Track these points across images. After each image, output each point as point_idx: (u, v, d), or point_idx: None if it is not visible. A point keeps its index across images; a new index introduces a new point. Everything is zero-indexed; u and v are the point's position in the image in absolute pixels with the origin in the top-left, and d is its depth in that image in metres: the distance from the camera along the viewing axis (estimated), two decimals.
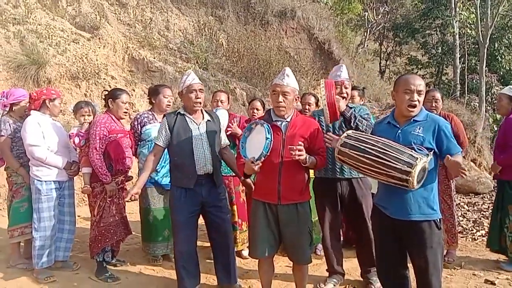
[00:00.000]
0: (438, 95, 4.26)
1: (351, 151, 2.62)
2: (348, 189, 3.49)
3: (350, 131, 2.76)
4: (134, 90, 8.23)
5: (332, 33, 12.28)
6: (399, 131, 2.69)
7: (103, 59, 8.48)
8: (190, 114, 3.41)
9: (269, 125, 2.96)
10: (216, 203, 3.45)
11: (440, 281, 2.68)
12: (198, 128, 3.40)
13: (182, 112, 3.42)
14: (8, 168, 3.96)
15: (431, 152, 2.56)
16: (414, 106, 2.64)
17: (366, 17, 15.71)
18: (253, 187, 3.59)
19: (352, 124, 3.27)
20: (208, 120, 3.47)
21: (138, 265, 4.11)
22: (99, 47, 8.65)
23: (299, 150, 2.85)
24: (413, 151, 2.50)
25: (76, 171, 3.97)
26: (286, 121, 3.06)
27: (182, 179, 3.35)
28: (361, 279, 3.69)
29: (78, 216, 5.40)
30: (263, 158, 2.91)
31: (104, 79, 8.05)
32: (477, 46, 14.63)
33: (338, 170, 3.46)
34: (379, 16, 16.04)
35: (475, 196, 7.65)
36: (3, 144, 3.84)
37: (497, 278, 3.85)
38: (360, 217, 3.49)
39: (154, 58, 9.17)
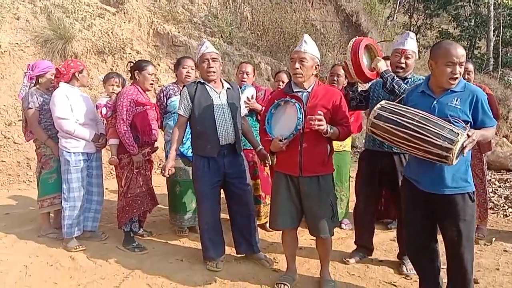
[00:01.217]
0: (471, 66, 4.10)
1: (386, 124, 2.49)
2: (392, 164, 3.35)
3: (383, 102, 2.62)
4: (159, 65, 8.24)
5: (360, 5, 11.95)
6: (435, 102, 2.55)
7: (128, 34, 8.49)
8: (209, 83, 3.38)
9: (300, 104, 2.89)
10: (237, 174, 3.45)
11: (472, 254, 2.60)
12: (219, 96, 3.38)
13: (202, 81, 3.40)
14: (37, 140, 4.04)
15: (468, 125, 2.43)
16: (456, 79, 2.51)
17: None
18: (269, 157, 3.64)
19: (388, 86, 3.16)
20: (228, 88, 3.45)
21: (165, 236, 4.17)
22: (124, 22, 8.65)
23: (319, 120, 2.78)
24: (452, 125, 2.38)
25: (104, 143, 4.01)
26: (307, 91, 2.99)
27: (205, 148, 3.35)
28: (396, 258, 3.60)
29: (106, 188, 5.51)
30: (292, 137, 2.87)
31: (130, 53, 8.07)
32: None
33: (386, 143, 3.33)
34: None
35: (507, 173, 7.41)
36: (31, 117, 3.91)
37: None
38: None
39: (179, 32, 9.13)
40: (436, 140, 2.33)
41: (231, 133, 3.37)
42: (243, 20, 10.34)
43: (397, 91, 3.11)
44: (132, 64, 3.93)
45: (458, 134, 2.31)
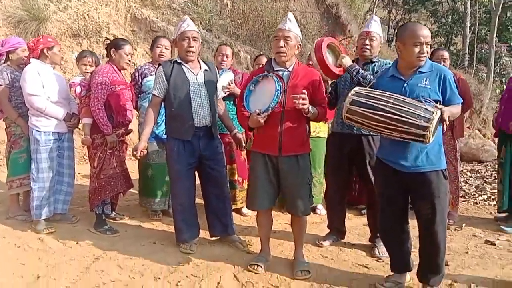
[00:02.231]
0: (446, 54, 4.24)
1: (362, 109, 2.52)
2: (360, 145, 3.38)
3: (356, 88, 2.65)
4: (136, 50, 8.08)
5: None
6: (405, 84, 2.61)
7: (105, 18, 8.29)
8: (186, 63, 3.30)
9: (279, 77, 2.87)
10: (213, 156, 3.41)
11: (445, 232, 2.66)
12: (196, 78, 3.31)
13: (178, 61, 3.31)
14: (7, 119, 3.90)
15: (438, 104, 2.50)
16: (424, 57, 2.59)
17: None
18: (243, 142, 3.68)
19: (354, 80, 3.25)
20: (205, 70, 3.38)
21: (138, 220, 4.11)
22: (101, 5, 8.43)
23: (303, 99, 2.77)
24: (426, 104, 2.44)
25: (76, 123, 3.91)
26: (288, 70, 2.97)
27: (180, 131, 3.28)
28: (368, 242, 3.63)
29: (78, 173, 5.42)
30: (270, 110, 2.84)
31: (106, 37, 7.88)
32: (488, 15, 14.32)
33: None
34: None
35: (479, 164, 7.60)
36: (1, 93, 3.77)
37: (498, 239, 3.85)
38: (370, 178, 3.35)
39: (157, 18, 8.96)
40: (412, 120, 2.38)
41: (207, 115, 3.31)
42: (223, 7, 10.22)
43: (363, 84, 3.16)
44: (109, 41, 3.84)
45: (432, 112, 2.38)
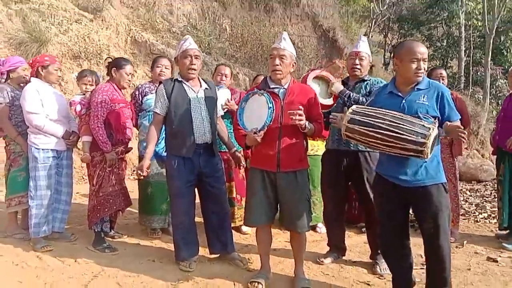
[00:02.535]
0: (444, 72, 4.32)
1: (360, 127, 2.54)
2: (357, 161, 3.38)
3: (354, 106, 2.68)
4: (136, 72, 8.18)
5: (337, 22, 12.21)
6: (404, 101, 2.63)
7: (105, 40, 8.43)
8: (187, 81, 3.34)
9: (269, 94, 2.91)
10: (213, 174, 3.41)
11: (449, 246, 2.64)
12: (197, 96, 3.34)
13: (179, 79, 3.35)
14: (7, 137, 3.91)
15: (436, 120, 2.52)
16: (422, 73, 2.63)
17: (371, 8, 15.55)
18: (243, 161, 3.68)
19: (347, 106, 3.24)
20: (206, 88, 3.41)
21: (137, 238, 4.08)
22: (102, 28, 8.59)
23: (299, 115, 2.80)
24: (423, 121, 2.46)
25: (75, 141, 3.92)
26: (284, 88, 3.02)
27: (180, 148, 3.29)
28: (369, 259, 3.59)
29: (77, 193, 5.40)
30: (266, 128, 2.86)
31: (108, 56, 7.98)
32: (482, 39, 14.56)
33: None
34: (385, 7, 15.88)
35: (478, 184, 7.61)
36: (1, 112, 3.79)
37: (499, 256, 3.82)
38: (368, 194, 3.35)
39: (157, 41, 9.11)
40: (409, 136, 2.40)
41: (207, 133, 3.33)
42: (222, 31, 10.41)
43: None
44: (110, 60, 3.88)
45: (429, 128, 2.40)
